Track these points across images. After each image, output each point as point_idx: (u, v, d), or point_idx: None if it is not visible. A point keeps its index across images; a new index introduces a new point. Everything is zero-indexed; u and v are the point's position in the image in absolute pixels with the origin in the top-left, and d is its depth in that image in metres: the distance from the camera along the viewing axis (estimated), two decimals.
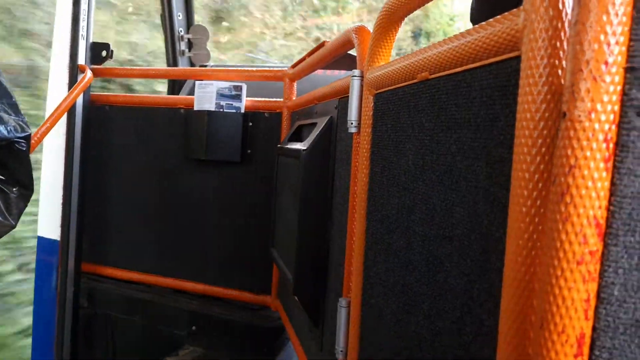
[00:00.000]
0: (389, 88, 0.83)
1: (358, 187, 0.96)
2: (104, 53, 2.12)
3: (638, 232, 0.38)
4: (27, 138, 1.21)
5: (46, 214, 2.12)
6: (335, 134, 1.20)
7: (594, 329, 0.40)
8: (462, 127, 0.58)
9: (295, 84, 1.85)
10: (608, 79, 0.38)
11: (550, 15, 0.43)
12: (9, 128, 1.16)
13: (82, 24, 2.04)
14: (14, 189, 1.19)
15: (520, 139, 0.44)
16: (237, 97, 1.90)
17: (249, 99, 1.93)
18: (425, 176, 0.68)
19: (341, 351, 1.01)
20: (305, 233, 1.22)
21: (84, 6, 2.03)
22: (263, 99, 1.94)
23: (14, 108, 1.21)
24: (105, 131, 2.14)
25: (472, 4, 1.25)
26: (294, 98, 1.83)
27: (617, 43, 0.38)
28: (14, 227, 1.21)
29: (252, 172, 1.94)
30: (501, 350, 0.46)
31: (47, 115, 1.93)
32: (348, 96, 1.03)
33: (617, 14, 0.37)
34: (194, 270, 2.03)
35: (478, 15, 1.21)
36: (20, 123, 1.20)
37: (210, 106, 1.90)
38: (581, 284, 0.39)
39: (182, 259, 2.05)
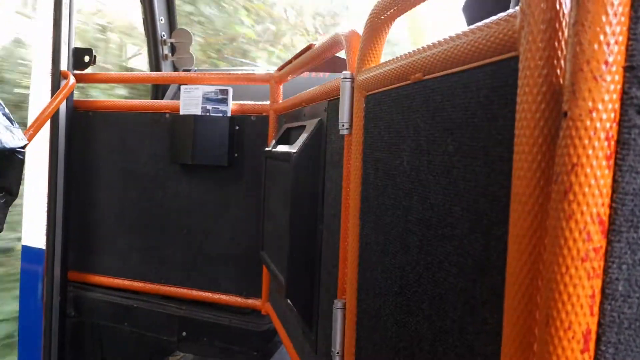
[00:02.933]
0: (381, 89, 0.84)
1: (351, 189, 0.96)
2: (86, 58, 2.10)
3: None
4: (24, 147, 1.22)
5: (31, 223, 2.09)
6: (326, 136, 1.20)
7: (599, 324, 0.40)
8: (460, 127, 0.59)
9: (281, 87, 1.85)
10: (608, 78, 0.38)
11: (549, 17, 0.43)
12: (13, 137, 1.17)
13: (64, 29, 2.01)
14: (1, 195, 1.19)
15: (521, 138, 0.45)
16: (224, 101, 1.90)
17: (235, 102, 1.92)
18: (421, 177, 0.69)
19: (337, 353, 1.01)
20: (297, 235, 1.22)
21: (65, 11, 2.01)
22: (249, 102, 1.93)
23: (9, 118, 1.22)
24: (89, 137, 2.12)
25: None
26: (280, 101, 1.83)
27: (616, 43, 0.38)
28: (1, 231, 1.21)
29: (239, 176, 1.93)
30: (506, 348, 0.47)
31: (29, 122, 1.90)
32: (337, 98, 1.03)
33: (615, 14, 0.38)
34: (182, 276, 2.02)
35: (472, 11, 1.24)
36: (18, 133, 1.21)
37: (197, 110, 1.89)
38: (586, 281, 0.39)
39: (171, 264, 2.03)
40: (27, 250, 2.12)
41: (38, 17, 2.09)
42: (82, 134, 2.11)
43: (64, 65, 2.02)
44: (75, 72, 2.07)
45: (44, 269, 2.04)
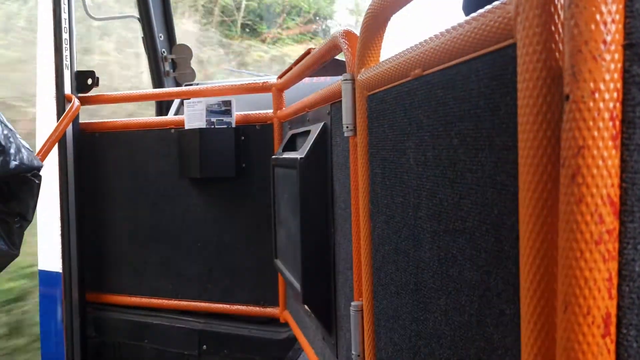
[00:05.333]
0: (382, 88, 0.83)
1: (359, 190, 0.96)
2: (89, 81, 2.12)
3: None
4: (39, 169, 1.23)
5: (46, 247, 2.11)
6: (331, 140, 1.20)
7: (618, 307, 0.39)
8: (463, 119, 0.58)
9: (284, 94, 1.85)
10: (608, 57, 0.38)
11: (543, 0, 0.43)
12: (28, 159, 1.17)
13: (65, 53, 2.03)
14: (16, 219, 1.20)
15: (525, 125, 0.45)
16: (227, 112, 1.90)
17: (238, 113, 1.93)
18: (428, 172, 0.68)
19: (358, 355, 1.00)
20: (309, 241, 1.22)
21: (65, 36, 2.03)
22: (253, 111, 1.94)
23: (22, 142, 1.23)
24: (97, 158, 2.14)
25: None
26: (283, 108, 1.83)
27: (613, 21, 0.38)
28: (17, 255, 1.22)
29: (248, 186, 1.93)
30: (525, 338, 0.46)
31: (37, 147, 1.92)
32: (340, 101, 1.03)
33: None
34: (199, 289, 2.02)
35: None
36: (33, 155, 1.21)
37: (201, 123, 1.90)
38: (602, 264, 0.39)
39: (186, 278, 2.04)
40: (44, 274, 2.14)
41: (39, 43, 2.11)
42: (90, 155, 2.13)
43: (67, 89, 2.04)
44: (79, 95, 2.08)
45: (62, 292, 2.06)
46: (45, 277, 2.11)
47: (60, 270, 2.06)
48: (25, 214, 1.21)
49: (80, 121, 2.14)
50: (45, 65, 2.07)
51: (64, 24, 2.02)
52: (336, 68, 2.05)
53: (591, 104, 0.38)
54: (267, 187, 1.80)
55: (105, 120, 2.18)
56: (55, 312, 2.09)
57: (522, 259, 0.46)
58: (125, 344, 2.13)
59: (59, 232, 2.05)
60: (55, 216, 2.06)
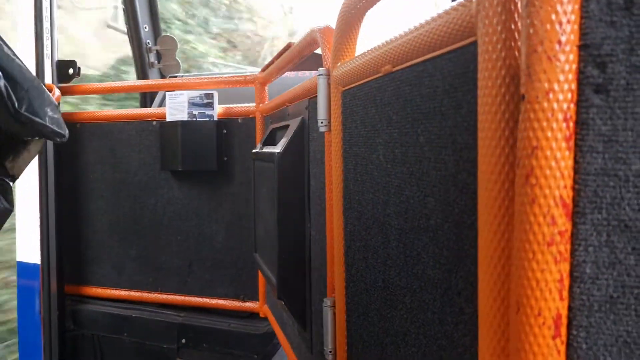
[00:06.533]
0: (356, 84, 0.83)
1: (333, 186, 0.95)
2: (70, 71, 2.09)
3: (604, 208, 0.38)
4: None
5: (24, 238, 2.08)
6: (308, 134, 1.19)
7: (569, 308, 0.39)
8: (428, 117, 0.58)
9: (266, 88, 1.84)
10: (562, 57, 0.38)
11: None
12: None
13: (46, 42, 2.00)
14: (8, 179, 1.20)
15: (484, 123, 0.44)
16: (209, 105, 1.89)
17: (221, 106, 1.91)
18: (396, 169, 0.68)
19: (330, 352, 1.00)
20: (285, 236, 1.21)
21: (46, 24, 2.00)
22: (236, 105, 1.93)
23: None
24: (78, 149, 2.11)
25: None
26: (266, 102, 1.82)
27: (568, 22, 0.37)
28: (12, 211, 1.22)
29: (230, 179, 1.92)
30: (482, 337, 0.46)
31: None
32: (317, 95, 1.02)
33: None
34: (179, 283, 2.01)
35: None
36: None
37: (183, 116, 1.88)
38: (553, 265, 0.39)
39: (167, 272, 2.03)
40: (22, 266, 2.11)
41: (19, 31, 2.08)
42: (71, 146, 2.10)
43: (48, 79, 2.01)
44: (60, 84, 2.06)
45: (40, 284, 2.04)
46: (24, 269, 2.09)
47: (39, 262, 2.04)
48: (16, 175, 1.21)
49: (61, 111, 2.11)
50: (26, 54, 2.04)
51: (45, 12, 1.99)
52: (319, 62, 2.04)
53: (545, 104, 0.38)
54: (248, 181, 1.78)
55: (87, 110, 2.16)
56: (34, 304, 2.06)
57: (480, 258, 0.46)
58: (103, 337, 2.11)
59: (38, 224, 2.03)
60: (34, 207, 2.04)
